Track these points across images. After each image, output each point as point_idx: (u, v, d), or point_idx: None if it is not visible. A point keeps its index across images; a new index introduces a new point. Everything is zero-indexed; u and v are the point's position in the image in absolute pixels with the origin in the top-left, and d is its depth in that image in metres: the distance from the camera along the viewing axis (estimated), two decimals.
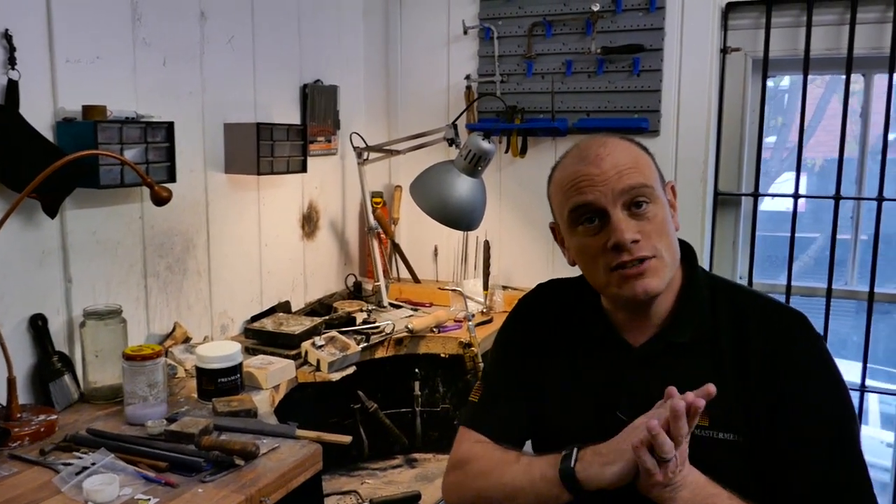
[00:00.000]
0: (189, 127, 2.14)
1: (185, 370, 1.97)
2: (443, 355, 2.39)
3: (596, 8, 2.53)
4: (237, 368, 1.83)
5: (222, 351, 1.83)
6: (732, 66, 2.58)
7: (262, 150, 2.25)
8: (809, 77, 2.48)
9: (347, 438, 1.66)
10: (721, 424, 1.20)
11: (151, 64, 2.01)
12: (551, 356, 1.37)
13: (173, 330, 2.10)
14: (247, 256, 2.42)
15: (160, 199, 1.70)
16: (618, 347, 1.30)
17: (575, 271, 1.36)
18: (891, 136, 2.52)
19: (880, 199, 2.46)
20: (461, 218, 2.26)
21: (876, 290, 2.49)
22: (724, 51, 2.56)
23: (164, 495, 1.34)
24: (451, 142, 2.37)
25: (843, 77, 2.44)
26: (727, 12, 2.53)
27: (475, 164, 2.24)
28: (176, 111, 2.07)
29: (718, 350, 1.24)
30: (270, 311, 2.41)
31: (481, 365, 2.33)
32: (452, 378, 2.46)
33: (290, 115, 2.57)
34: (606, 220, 1.20)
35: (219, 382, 1.80)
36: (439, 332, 2.43)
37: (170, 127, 1.94)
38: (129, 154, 1.81)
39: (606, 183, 1.20)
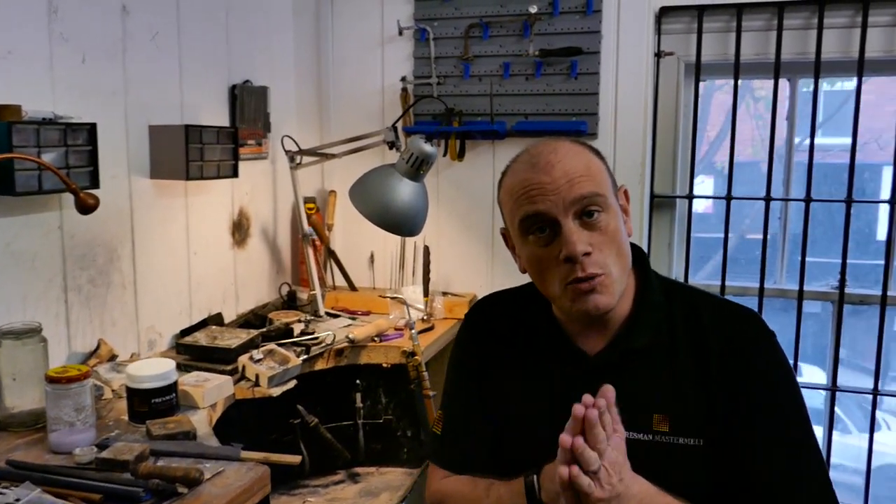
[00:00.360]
0: (111, 129, 2.00)
1: (113, 391, 1.83)
2: (385, 365, 2.32)
3: (533, 10, 2.51)
4: (172, 387, 1.70)
5: (155, 369, 1.70)
6: (666, 69, 2.61)
7: (191, 153, 2.13)
8: (718, 83, 2.53)
9: (296, 458, 1.57)
10: (682, 429, 1.19)
11: (69, 61, 1.86)
12: (506, 371, 1.34)
13: (97, 348, 1.95)
14: (175, 267, 2.28)
15: (86, 207, 1.57)
16: (573, 357, 1.27)
17: (521, 278, 1.34)
18: (780, 140, 2.62)
19: (808, 199, 2.54)
20: (404, 223, 2.19)
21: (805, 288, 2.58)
22: (658, 55, 2.58)
23: None
24: (392, 145, 2.30)
25: (754, 84, 2.50)
26: (661, 16, 2.56)
27: (417, 168, 2.17)
28: (97, 112, 1.92)
29: (676, 354, 1.23)
30: (202, 325, 2.28)
31: (425, 374, 2.27)
32: (395, 388, 2.39)
33: (218, 117, 2.45)
34: (558, 230, 1.18)
35: (153, 403, 1.67)
36: (380, 341, 2.35)
37: (92, 129, 1.80)
38: (48, 158, 1.66)
39: (558, 192, 1.17)
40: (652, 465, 1.15)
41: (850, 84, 2.53)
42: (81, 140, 1.77)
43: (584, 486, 1.02)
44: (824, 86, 2.57)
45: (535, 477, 1.18)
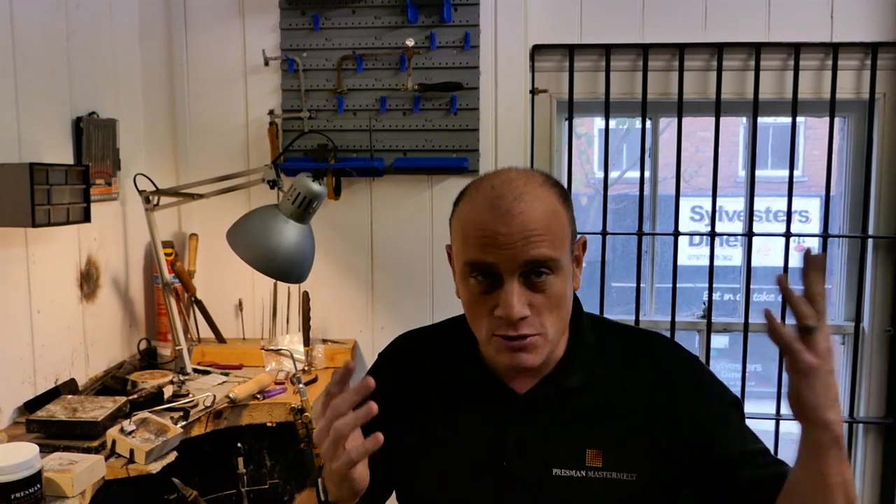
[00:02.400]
0: None
1: None
2: (269, 424, 2.11)
3: (410, 43, 2.43)
4: (37, 477, 1.43)
5: (15, 457, 1.41)
6: (540, 106, 2.63)
7: (37, 196, 1.82)
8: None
9: None
10: (615, 464, 1.16)
11: None
12: (422, 412, 1.26)
13: None
14: (14, 328, 1.94)
15: None
16: (501, 395, 1.22)
17: (401, 321, 1.26)
18: (661, 176, 2.75)
19: (676, 234, 2.64)
20: (292, 269, 2.01)
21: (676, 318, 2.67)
22: (533, 92, 2.60)
23: None
24: (273, 184, 2.12)
25: (576, 121, 2.62)
26: (534, 54, 2.58)
27: (305, 209, 2.01)
28: None
29: (609, 389, 1.21)
30: (53, 394, 1.95)
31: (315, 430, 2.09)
32: (281, 448, 2.19)
33: (62, 153, 2.14)
34: (500, 284, 1.10)
35: (13, 499, 1.38)
36: (263, 398, 2.14)
37: None
38: None
39: (510, 248, 1.08)
40: (584, 502, 1.14)
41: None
42: None
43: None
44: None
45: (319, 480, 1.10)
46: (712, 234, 2.66)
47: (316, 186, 2.01)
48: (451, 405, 1.24)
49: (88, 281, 2.26)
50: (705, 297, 2.73)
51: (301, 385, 2.10)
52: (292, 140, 2.42)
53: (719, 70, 2.55)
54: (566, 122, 2.66)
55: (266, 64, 2.54)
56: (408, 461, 1.26)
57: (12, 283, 1.94)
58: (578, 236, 1.20)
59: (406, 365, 1.31)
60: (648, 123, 2.72)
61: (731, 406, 1.23)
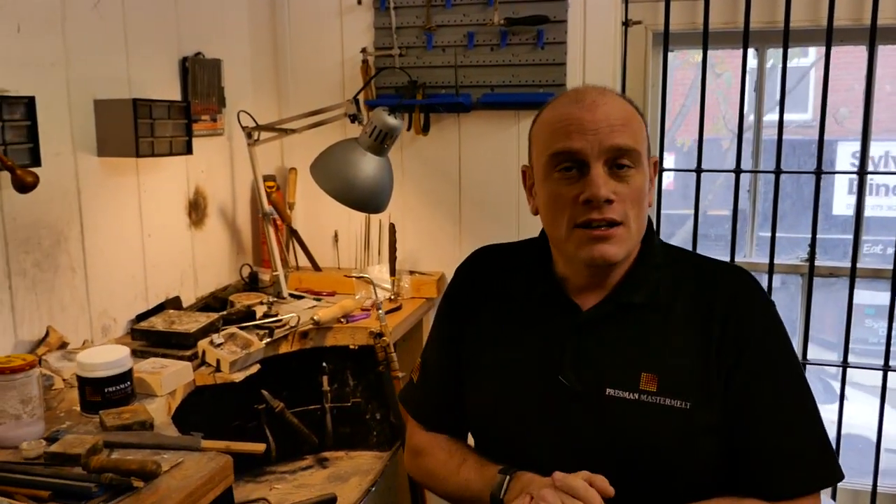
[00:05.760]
0: (53, 103, 1.87)
1: (64, 380, 1.73)
2: (352, 347, 2.24)
3: None
4: (127, 375, 1.61)
5: (108, 356, 1.60)
6: (634, 39, 2.55)
7: (140, 129, 2.01)
8: (679, 59, 2.48)
9: (260, 447, 1.49)
10: (670, 391, 1.16)
11: (3, 30, 1.73)
12: (490, 322, 1.31)
13: (46, 335, 1.84)
14: (128, 249, 2.17)
15: (25, 185, 1.46)
16: (565, 309, 1.25)
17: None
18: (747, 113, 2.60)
19: (777, 171, 2.51)
20: (369, 200, 2.11)
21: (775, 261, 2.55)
22: (626, 24, 2.52)
23: None
24: (354, 118, 2.21)
25: (716, 59, 2.46)
26: None
27: (381, 142, 2.09)
28: (36, 85, 1.79)
29: (672, 315, 1.20)
30: (159, 309, 2.17)
31: (394, 355, 2.20)
32: (362, 370, 2.32)
33: (169, 91, 2.32)
34: (586, 171, 1.15)
35: (106, 392, 1.57)
36: (347, 322, 2.27)
37: (30, 102, 1.69)
38: None
39: (596, 133, 1.14)
40: (636, 425, 1.15)
41: (806, 60, 2.50)
42: (19, 114, 1.66)
43: None
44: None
45: (507, 477, 1.18)
46: (818, 172, 2.50)
47: (392, 120, 2.08)
48: (517, 318, 1.29)
49: (196, 209, 2.46)
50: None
51: (381, 311, 2.22)
52: (372, 76, 2.50)
53: None
54: (662, 56, 2.56)
55: (359, 3, 2.61)
56: (471, 372, 1.32)
57: (126, 209, 2.16)
58: (651, 155, 1.24)
59: (478, 278, 1.37)
60: (755, 55, 2.58)
61: (781, 362, 1.20)
